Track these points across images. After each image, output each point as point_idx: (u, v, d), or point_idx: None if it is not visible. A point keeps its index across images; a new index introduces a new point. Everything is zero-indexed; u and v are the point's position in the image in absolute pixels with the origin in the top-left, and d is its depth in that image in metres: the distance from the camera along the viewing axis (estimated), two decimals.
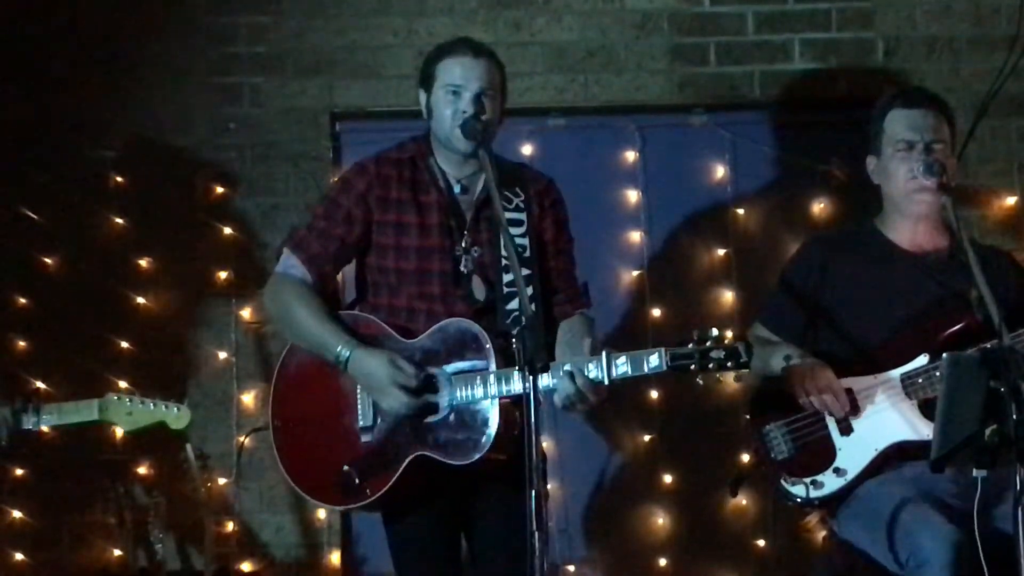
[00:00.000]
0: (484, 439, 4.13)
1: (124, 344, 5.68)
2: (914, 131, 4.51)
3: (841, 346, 4.49)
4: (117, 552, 5.62)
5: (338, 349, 4.24)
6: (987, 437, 3.73)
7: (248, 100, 5.83)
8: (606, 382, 4.05)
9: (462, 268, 4.36)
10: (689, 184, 5.87)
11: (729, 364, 3.94)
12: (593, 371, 4.05)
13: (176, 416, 4.81)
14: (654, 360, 4.00)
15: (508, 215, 4.32)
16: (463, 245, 4.37)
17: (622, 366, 4.05)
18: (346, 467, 4.23)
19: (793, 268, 4.71)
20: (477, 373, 4.17)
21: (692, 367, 3.96)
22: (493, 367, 4.15)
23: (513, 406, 4.12)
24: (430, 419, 4.20)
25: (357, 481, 4.22)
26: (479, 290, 4.35)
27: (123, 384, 5.56)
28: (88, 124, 5.76)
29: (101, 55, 5.80)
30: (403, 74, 5.76)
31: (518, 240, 4.34)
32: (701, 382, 4.01)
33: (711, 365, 3.95)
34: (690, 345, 3.96)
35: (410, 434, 4.21)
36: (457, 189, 4.40)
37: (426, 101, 4.42)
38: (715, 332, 3.96)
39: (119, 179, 5.76)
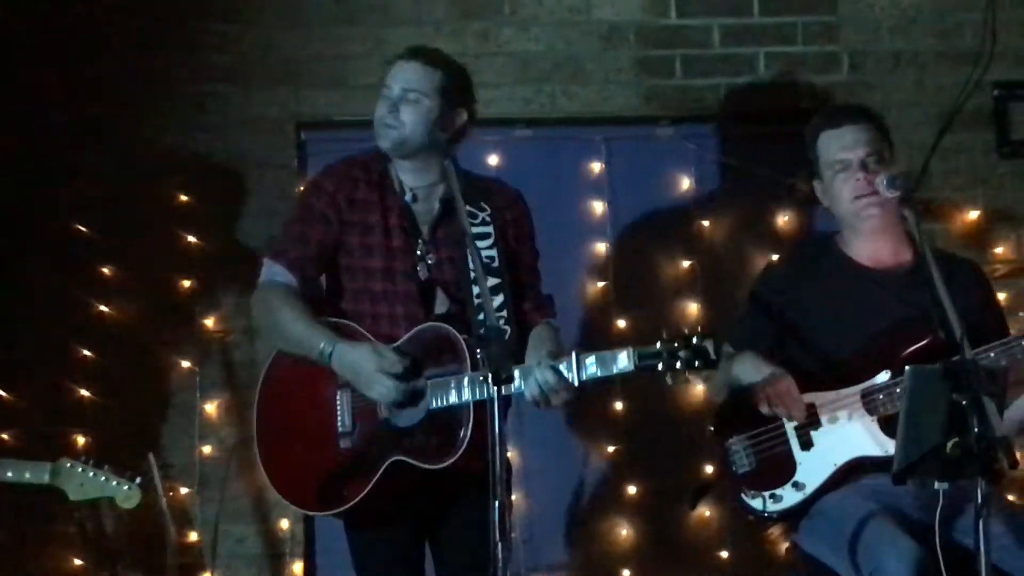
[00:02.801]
0: (459, 442, 4.15)
1: (86, 352, 5.64)
2: (846, 150, 4.53)
3: (806, 363, 4.51)
4: (78, 562, 5.59)
5: (322, 345, 4.27)
6: (949, 450, 3.74)
7: (214, 109, 5.81)
8: (576, 383, 4.07)
9: (420, 275, 4.40)
10: (655, 196, 5.89)
11: (697, 363, 3.93)
12: (563, 370, 4.08)
13: (125, 495, 4.67)
14: (622, 360, 4.01)
15: (475, 229, 4.35)
16: (419, 254, 4.40)
17: (591, 366, 4.07)
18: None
19: (759, 289, 4.72)
20: (452, 378, 4.19)
21: (659, 366, 3.96)
22: (468, 371, 4.17)
23: (486, 411, 4.12)
24: (407, 424, 4.23)
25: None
26: (441, 300, 4.38)
27: (84, 392, 5.53)
28: (52, 131, 5.73)
29: (64, 62, 5.76)
30: (369, 84, 5.72)
31: (487, 252, 4.36)
32: (670, 382, 4.00)
33: (678, 364, 3.94)
34: (658, 344, 3.96)
35: (387, 439, 4.24)
36: (408, 197, 4.44)
37: None
38: (684, 332, 3.97)
39: (83, 186, 5.73)
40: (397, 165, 4.47)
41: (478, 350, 3.97)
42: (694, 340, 3.93)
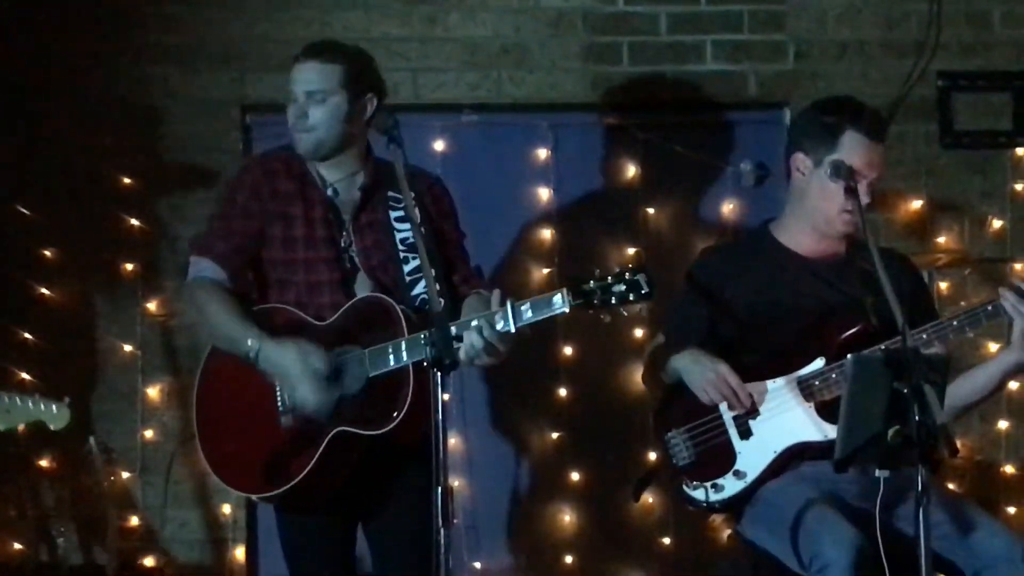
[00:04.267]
0: (401, 402, 4.14)
1: (26, 335, 5.60)
2: (868, 167, 4.45)
3: (741, 352, 4.51)
4: (18, 546, 5.55)
5: (248, 343, 4.24)
6: (890, 438, 3.77)
7: (159, 91, 5.77)
8: (513, 330, 4.05)
9: (345, 263, 4.39)
10: (600, 183, 5.89)
11: (631, 296, 3.91)
12: (500, 322, 4.06)
13: (54, 415, 4.55)
14: (557, 301, 3.98)
15: (396, 213, 4.39)
16: (342, 244, 4.40)
17: (526, 312, 4.04)
18: None
19: (693, 277, 4.69)
20: (389, 343, 4.18)
21: (595, 302, 3.93)
22: (405, 336, 4.16)
23: (426, 375, 4.09)
24: (346, 393, 4.21)
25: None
26: (365, 286, 4.36)
27: (24, 376, 5.50)
28: None
29: (5, 43, 5.71)
30: None
31: (409, 234, 4.35)
32: (607, 319, 3.99)
33: (613, 300, 3.92)
34: (591, 282, 3.94)
35: (328, 411, 4.21)
36: (329, 192, 4.42)
37: None
38: (616, 269, 3.96)
39: (25, 168, 5.68)
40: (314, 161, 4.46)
41: (423, 336, 3.94)
42: (627, 275, 3.92)
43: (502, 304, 4.10)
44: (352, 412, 4.20)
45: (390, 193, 4.39)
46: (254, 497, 4.50)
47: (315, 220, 4.39)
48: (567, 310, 3.98)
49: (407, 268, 4.35)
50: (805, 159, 4.55)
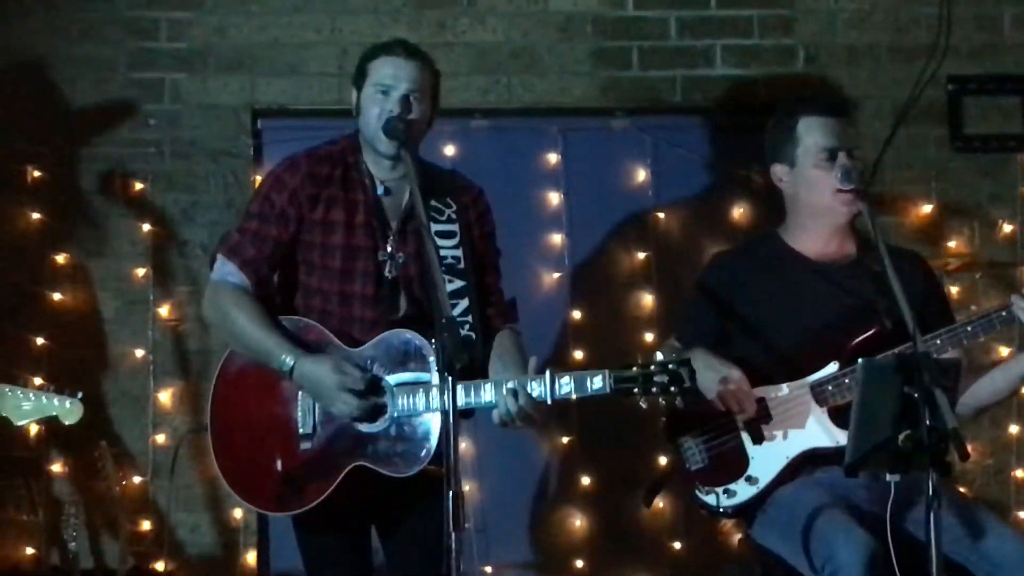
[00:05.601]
0: (424, 452, 4.13)
1: (39, 340, 5.61)
2: (833, 140, 4.53)
3: (753, 357, 4.51)
4: (30, 550, 5.56)
5: (283, 358, 4.20)
6: (901, 442, 3.77)
7: (169, 96, 5.78)
8: (549, 401, 4.06)
9: (386, 273, 4.33)
10: (610, 187, 5.89)
11: (672, 388, 3.97)
12: (536, 389, 4.06)
13: (67, 410, 4.65)
14: (597, 382, 4.02)
15: (439, 227, 4.31)
16: (388, 250, 4.34)
17: (566, 386, 4.05)
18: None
19: (704, 282, 4.72)
20: (420, 385, 4.15)
21: (635, 391, 3.98)
22: (436, 380, 4.11)
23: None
24: (370, 430, 4.18)
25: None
26: (402, 298, 4.32)
27: (38, 380, 5.49)
28: (5, 117, 5.69)
29: (20, 48, 5.73)
30: (325, 72, 5.75)
31: (451, 252, 4.30)
32: (644, 405, 4.05)
33: (654, 389, 3.98)
34: (634, 369, 3.97)
35: (350, 444, 4.19)
36: (380, 190, 4.35)
37: (356, 99, 4.39)
38: (659, 356, 3.98)
39: (36, 173, 5.70)
40: (369, 158, 4.37)
41: (432, 340, 3.92)
42: (670, 366, 3.96)
43: (539, 372, 4.10)
44: (373, 448, 4.17)
45: (433, 203, 4.32)
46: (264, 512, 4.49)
47: (356, 227, 4.32)
48: (606, 392, 4.01)
49: (448, 288, 4.22)
50: (780, 167, 4.63)
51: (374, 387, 4.18)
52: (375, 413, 4.18)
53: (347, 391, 4.14)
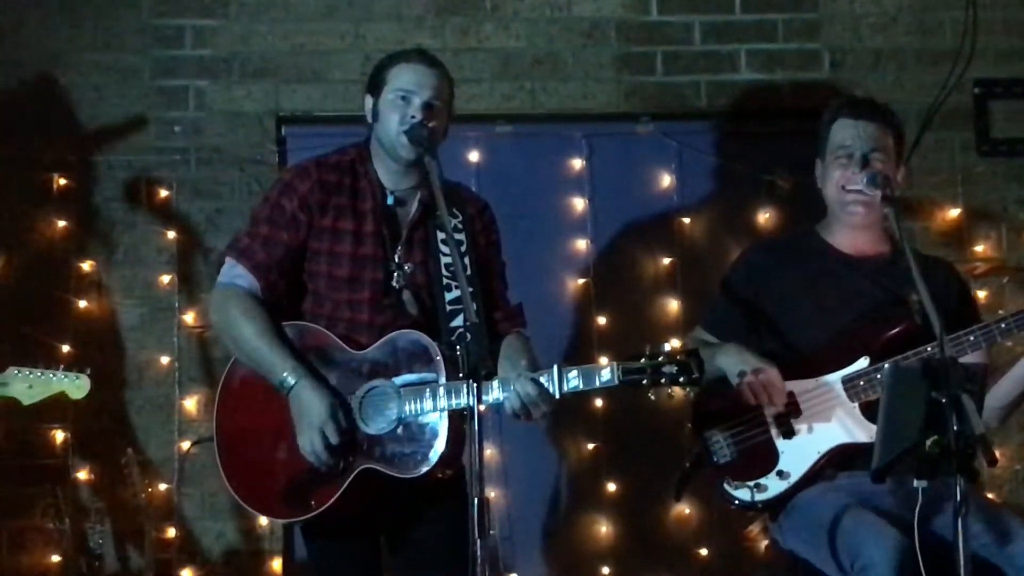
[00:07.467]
0: (432, 452, 4.12)
1: (65, 348, 5.62)
2: (854, 140, 4.54)
3: (783, 350, 4.51)
4: (56, 557, 5.56)
5: (284, 375, 4.19)
6: (928, 447, 3.75)
7: (193, 103, 5.80)
8: (557, 395, 4.06)
9: (394, 283, 4.33)
10: (635, 193, 5.88)
11: (681, 379, 3.95)
12: (545, 383, 4.05)
13: (76, 384, 4.68)
14: (605, 374, 4.02)
15: (441, 236, 4.32)
16: (396, 260, 4.34)
17: (574, 380, 4.06)
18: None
19: (734, 273, 4.73)
20: (427, 385, 4.15)
21: (644, 382, 3.97)
22: (443, 380, 4.13)
23: (461, 420, 4.10)
24: (378, 432, 4.17)
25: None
26: (411, 305, 4.33)
27: None
28: (31, 125, 5.72)
29: (46, 57, 5.75)
30: (349, 79, 5.75)
31: (451, 263, 4.29)
32: (653, 397, 4.03)
33: (663, 380, 3.96)
34: (642, 360, 3.96)
35: (356, 447, 4.18)
36: (390, 200, 4.36)
37: (372, 106, 4.39)
38: (667, 347, 3.97)
39: (62, 181, 5.72)
40: (380, 166, 4.38)
41: (458, 347, 3.92)
42: (679, 356, 3.95)
43: (542, 365, 4.13)
44: (381, 450, 4.17)
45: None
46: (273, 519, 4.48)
47: (365, 235, 4.32)
48: (615, 384, 4.01)
49: (448, 296, 4.28)
50: (818, 162, 4.68)
51: (348, 445, 4.17)
52: (333, 465, 4.17)
53: (322, 435, 4.13)
